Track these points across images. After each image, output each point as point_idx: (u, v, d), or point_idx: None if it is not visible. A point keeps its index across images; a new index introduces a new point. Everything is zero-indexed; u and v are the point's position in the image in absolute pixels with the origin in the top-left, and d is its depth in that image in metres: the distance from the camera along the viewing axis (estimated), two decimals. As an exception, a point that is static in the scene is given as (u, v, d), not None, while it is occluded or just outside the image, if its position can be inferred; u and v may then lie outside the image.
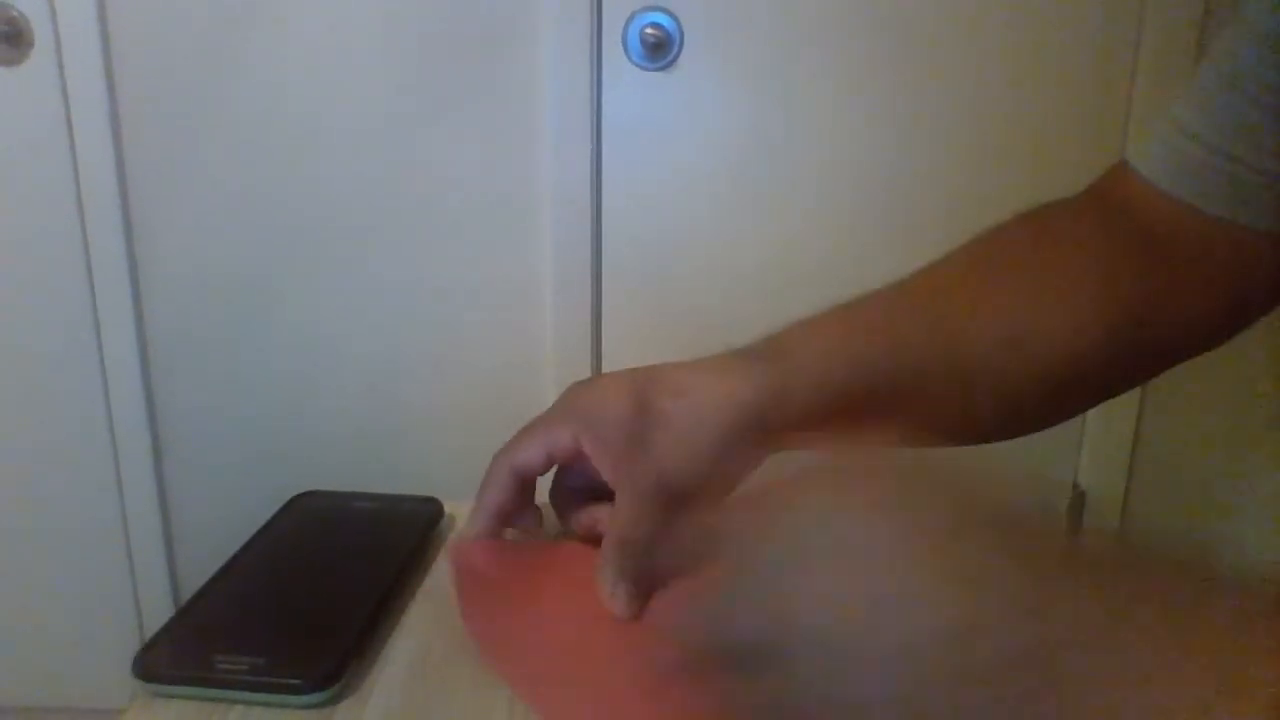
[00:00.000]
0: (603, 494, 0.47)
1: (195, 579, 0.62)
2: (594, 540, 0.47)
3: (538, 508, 0.51)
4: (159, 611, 1.50)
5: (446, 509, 0.57)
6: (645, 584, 0.43)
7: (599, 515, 0.48)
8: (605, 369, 1.42)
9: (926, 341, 0.48)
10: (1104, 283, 0.50)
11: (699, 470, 0.44)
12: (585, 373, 1.42)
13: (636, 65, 1.33)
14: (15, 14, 1.29)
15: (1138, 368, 0.53)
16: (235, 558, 0.51)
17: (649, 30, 1.30)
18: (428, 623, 0.47)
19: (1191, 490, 1.43)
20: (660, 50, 1.32)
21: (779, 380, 0.46)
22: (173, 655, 0.43)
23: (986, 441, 0.50)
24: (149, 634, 0.48)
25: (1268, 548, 0.41)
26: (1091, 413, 1.41)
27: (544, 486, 0.51)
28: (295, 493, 0.58)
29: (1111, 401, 0.55)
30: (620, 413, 0.45)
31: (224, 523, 1.44)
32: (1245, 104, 0.47)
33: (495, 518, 0.47)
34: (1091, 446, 1.45)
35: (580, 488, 0.49)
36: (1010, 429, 0.51)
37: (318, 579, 0.49)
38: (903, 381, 0.48)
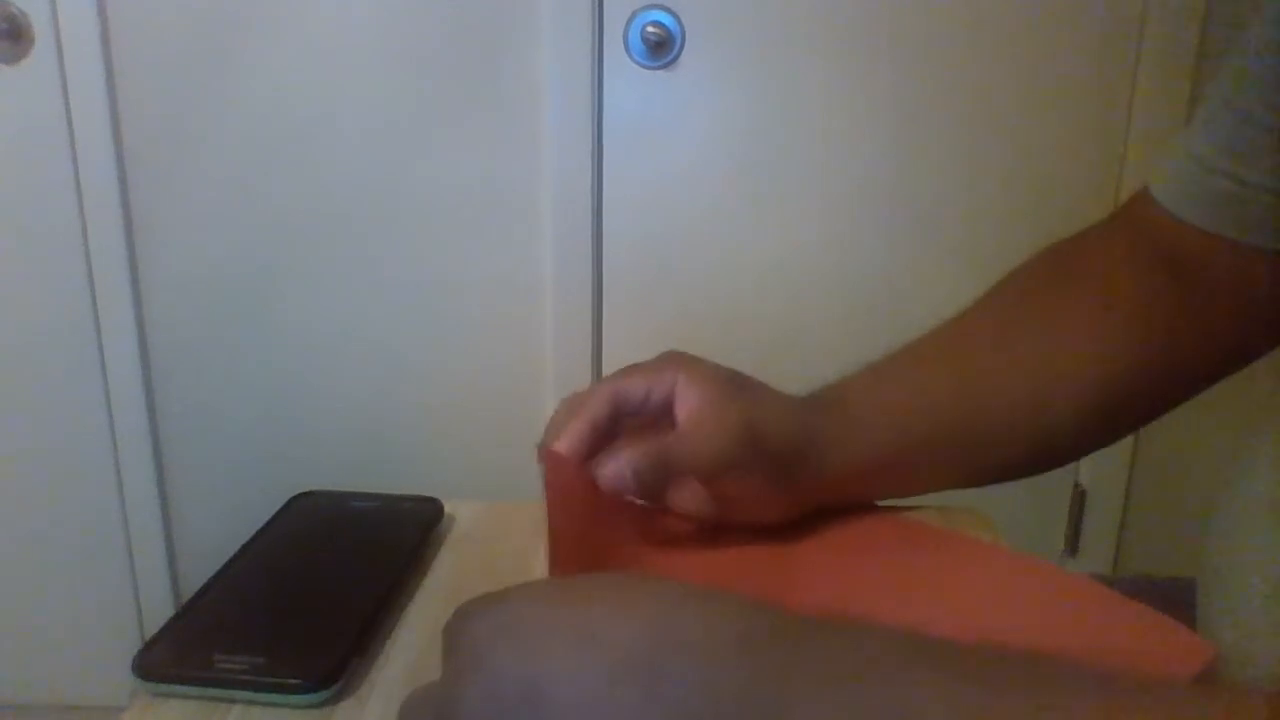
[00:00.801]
0: None
1: (195, 579, 0.62)
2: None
3: None
4: (159, 611, 1.50)
5: (446, 509, 0.56)
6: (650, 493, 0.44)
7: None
8: (605, 367, 1.42)
9: (957, 404, 0.50)
10: (1127, 324, 0.51)
11: (779, 434, 0.46)
12: (585, 372, 1.42)
13: (637, 64, 1.33)
14: (15, 12, 1.29)
15: (1166, 398, 0.53)
16: (235, 558, 0.51)
17: (650, 29, 1.30)
18: (428, 623, 0.47)
19: (1191, 490, 1.43)
20: (661, 49, 1.32)
21: (830, 427, 0.48)
22: (173, 655, 0.43)
23: (1020, 478, 0.52)
24: (149, 634, 0.48)
25: (1263, 548, 0.41)
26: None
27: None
28: (295, 493, 0.58)
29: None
30: (720, 369, 0.47)
31: (224, 523, 1.44)
32: (1252, 129, 0.47)
33: (588, 436, 0.46)
34: (1092, 446, 1.45)
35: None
36: (1043, 467, 0.53)
37: (318, 579, 0.49)
38: (937, 441, 0.50)
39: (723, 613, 0.29)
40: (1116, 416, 0.52)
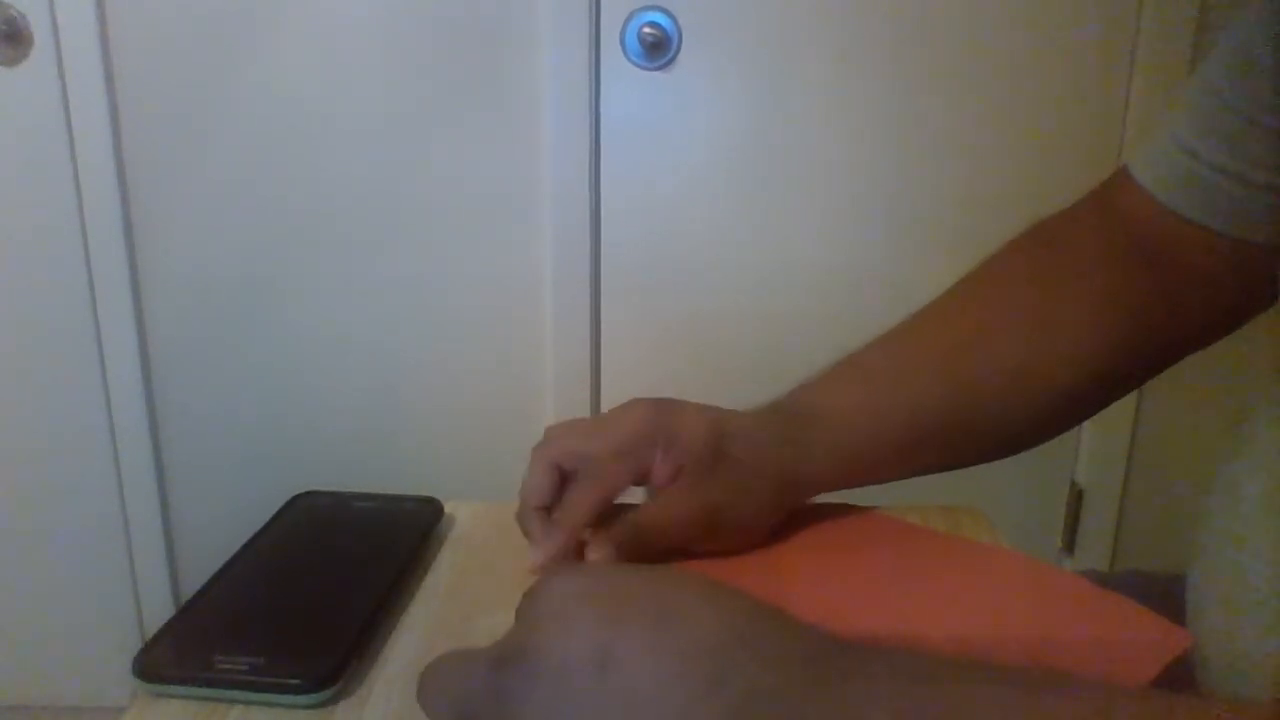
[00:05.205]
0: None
1: (195, 579, 0.63)
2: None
3: None
4: (159, 611, 1.51)
5: (446, 509, 0.57)
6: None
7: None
8: (604, 368, 1.42)
9: (940, 397, 0.51)
10: (1104, 309, 0.53)
11: (749, 512, 0.47)
12: (584, 372, 1.42)
13: (635, 65, 1.33)
14: (15, 14, 1.30)
15: (1134, 378, 0.55)
16: (235, 558, 0.51)
17: (647, 30, 1.31)
18: (428, 623, 0.47)
19: (1188, 489, 1.43)
20: (658, 50, 1.32)
21: (812, 441, 0.49)
22: (173, 655, 0.43)
23: (985, 462, 0.54)
24: (149, 634, 0.48)
25: (1258, 545, 0.42)
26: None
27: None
28: (295, 493, 0.58)
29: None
30: (700, 439, 0.47)
31: (224, 523, 1.44)
32: (1232, 119, 0.48)
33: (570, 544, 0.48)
34: (1089, 445, 1.46)
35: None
36: (1009, 452, 0.54)
37: (318, 579, 0.49)
38: (919, 435, 0.51)
39: (794, 632, 0.30)
40: (1087, 398, 0.54)
